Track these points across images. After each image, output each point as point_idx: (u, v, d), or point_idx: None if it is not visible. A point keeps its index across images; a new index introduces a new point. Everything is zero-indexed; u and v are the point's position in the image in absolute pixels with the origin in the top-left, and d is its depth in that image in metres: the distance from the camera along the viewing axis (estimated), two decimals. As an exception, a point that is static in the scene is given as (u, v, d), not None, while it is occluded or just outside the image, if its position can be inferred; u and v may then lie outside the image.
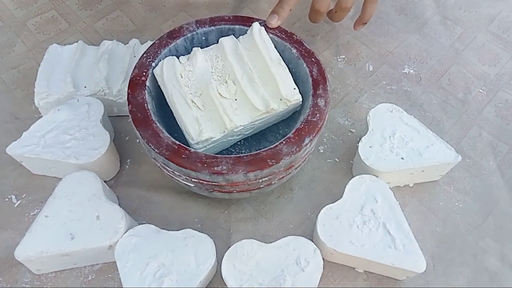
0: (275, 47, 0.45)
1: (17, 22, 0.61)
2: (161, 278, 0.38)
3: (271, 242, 0.41)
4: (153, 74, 0.43)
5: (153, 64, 0.43)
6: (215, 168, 0.37)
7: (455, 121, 0.54)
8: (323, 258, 0.40)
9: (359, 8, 0.55)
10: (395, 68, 0.59)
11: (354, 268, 0.43)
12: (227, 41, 0.44)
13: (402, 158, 0.45)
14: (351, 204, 0.43)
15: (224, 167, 0.37)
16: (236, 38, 0.45)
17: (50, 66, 0.51)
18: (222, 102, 0.41)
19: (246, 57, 0.43)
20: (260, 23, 0.46)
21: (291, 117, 0.46)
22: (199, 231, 0.41)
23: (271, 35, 0.46)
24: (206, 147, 0.41)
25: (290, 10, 0.48)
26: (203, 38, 0.47)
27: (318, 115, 0.41)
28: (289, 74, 0.43)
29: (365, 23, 0.55)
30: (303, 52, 0.45)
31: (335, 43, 0.61)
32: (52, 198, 0.42)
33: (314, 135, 0.39)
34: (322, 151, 0.51)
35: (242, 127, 0.42)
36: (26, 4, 0.62)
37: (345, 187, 0.44)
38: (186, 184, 0.41)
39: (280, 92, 0.42)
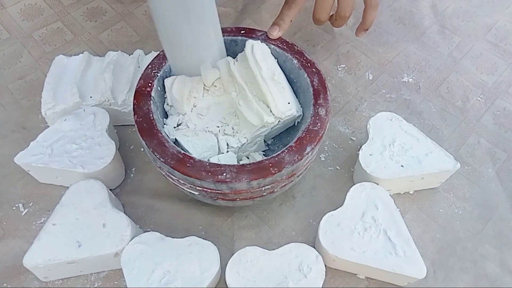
0: (276, 58, 0.46)
1: (23, 34, 0.62)
2: (166, 285, 0.38)
3: (274, 249, 0.42)
4: (158, 85, 0.44)
5: (158, 75, 0.44)
6: (219, 176, 0.38)
7: (453, 129, 0.55)
8: (325, 265, 0.41)
9: (359, 17, 0.56)
10: (394, 77, 0.60)
11: (356, 274, 0.44)
12: (221, 65, 0.45)
13: (402, 166, 0.46)
14: (352, 211, 0.44)
15: (228, 176, 0.38)
16: (240, 49, 0.46)
17: (56, 76, 0.52)
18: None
19: (238, 77, 0.44)
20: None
21: (293, 126, 0.47)
22: (203, 239, 0.41)
23: (272, 46, 0.47)
24: None
25: (291, 21, 0.49)
26: (207, 49, 0.48)
27: (319, 124, 0.42)
28: (284, 88, 0.44)
29: (367, 30, 0.56)
30: (304, 63, 0.46)
31: (335, 53, 0.62)
32: (59, 207, 0.43)
33: (315, 143, 0.40)
34: (323, 159, 0.52)
35: (244, 143, 0.44)
36: (32, 15, 0.64)
37: (346, 194, 0.45)
38: (191, 192, 0.42)
39: (271, 110, 0.43)
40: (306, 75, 0.45)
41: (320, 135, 0.41)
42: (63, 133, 0.47)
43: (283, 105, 0.43)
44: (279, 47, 0.47)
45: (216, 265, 0.40)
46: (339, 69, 0.60)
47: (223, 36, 0.47)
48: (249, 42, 0.45)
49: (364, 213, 0.44)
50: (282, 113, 0.43)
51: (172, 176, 0.41)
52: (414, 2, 0.68)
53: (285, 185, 0.42)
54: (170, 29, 0.36)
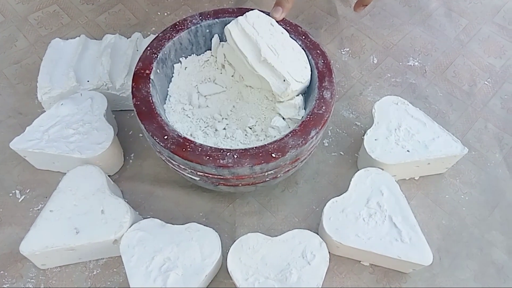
0: None
1: (18, 17, 0.60)
2: (166, 272, 0.38)
3: (277, 236, 0.41)
4: (157, 67, 0.43)
5: (157, 58, 0.43)
6: (221, 161, 0.37)
7: (460, 113, 0.54)
8: (328, 252, 0.40)
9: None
10: (399, 61, 0.58)
11: (360, 261, 0.43)
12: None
13: (408, 151, 0.45)
14: (357, 197, 0.43)
15: (230, 160, 0.37)
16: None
17: (53, 60, 0.51)
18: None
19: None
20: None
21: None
22: (204, 225, 0.40)
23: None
24: None
25: None
26: (207, 30, 0.46)
27: (324, 107, 0.40)
28: (274, 65, 0.41)
29: (366, 5, 0.53)
30: (308, 44, 0.44)
31: (339, 36, 0.60)
32: (56, 193, 0.42)
33: (320, 127, 0.39)
34: (327, 144, 0.51)
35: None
36: (27, -2, 0.62)
37: (350, 180, 0.44)
38: (192, 178, 0.41)
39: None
40: (310, 57, 0.44)
41: (325, 118, 0.40)
42: (60, 118, 0.46)
43: (278, 88, 0.42)
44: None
45: (218, 252, 0.39)
46: (343, 52, 0.59)
47: (225, 17, 0.46)
48: (226, 30, 0.43)
49: (369, 199, 0.42)
50: (279, 96, 0.42)
51: (172, 161, 0.39)
52: (420, -16, 0.66)
53: (288, 170, 0.41)
54: None
